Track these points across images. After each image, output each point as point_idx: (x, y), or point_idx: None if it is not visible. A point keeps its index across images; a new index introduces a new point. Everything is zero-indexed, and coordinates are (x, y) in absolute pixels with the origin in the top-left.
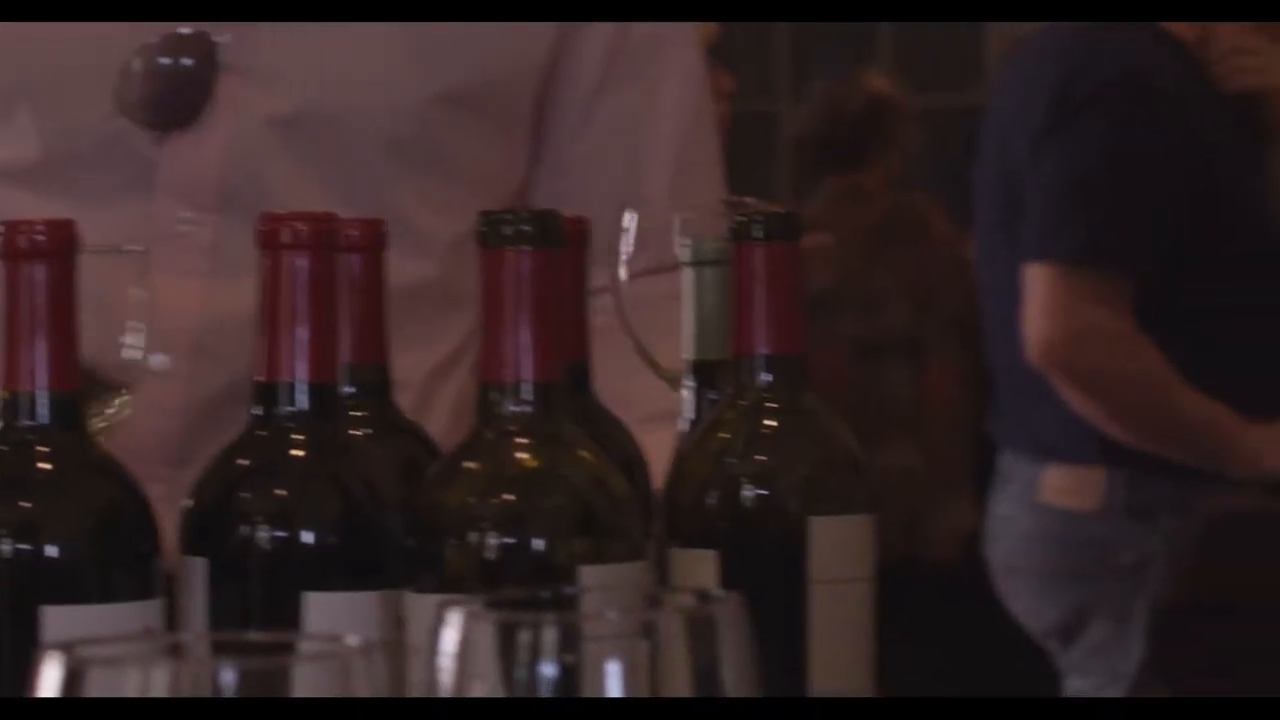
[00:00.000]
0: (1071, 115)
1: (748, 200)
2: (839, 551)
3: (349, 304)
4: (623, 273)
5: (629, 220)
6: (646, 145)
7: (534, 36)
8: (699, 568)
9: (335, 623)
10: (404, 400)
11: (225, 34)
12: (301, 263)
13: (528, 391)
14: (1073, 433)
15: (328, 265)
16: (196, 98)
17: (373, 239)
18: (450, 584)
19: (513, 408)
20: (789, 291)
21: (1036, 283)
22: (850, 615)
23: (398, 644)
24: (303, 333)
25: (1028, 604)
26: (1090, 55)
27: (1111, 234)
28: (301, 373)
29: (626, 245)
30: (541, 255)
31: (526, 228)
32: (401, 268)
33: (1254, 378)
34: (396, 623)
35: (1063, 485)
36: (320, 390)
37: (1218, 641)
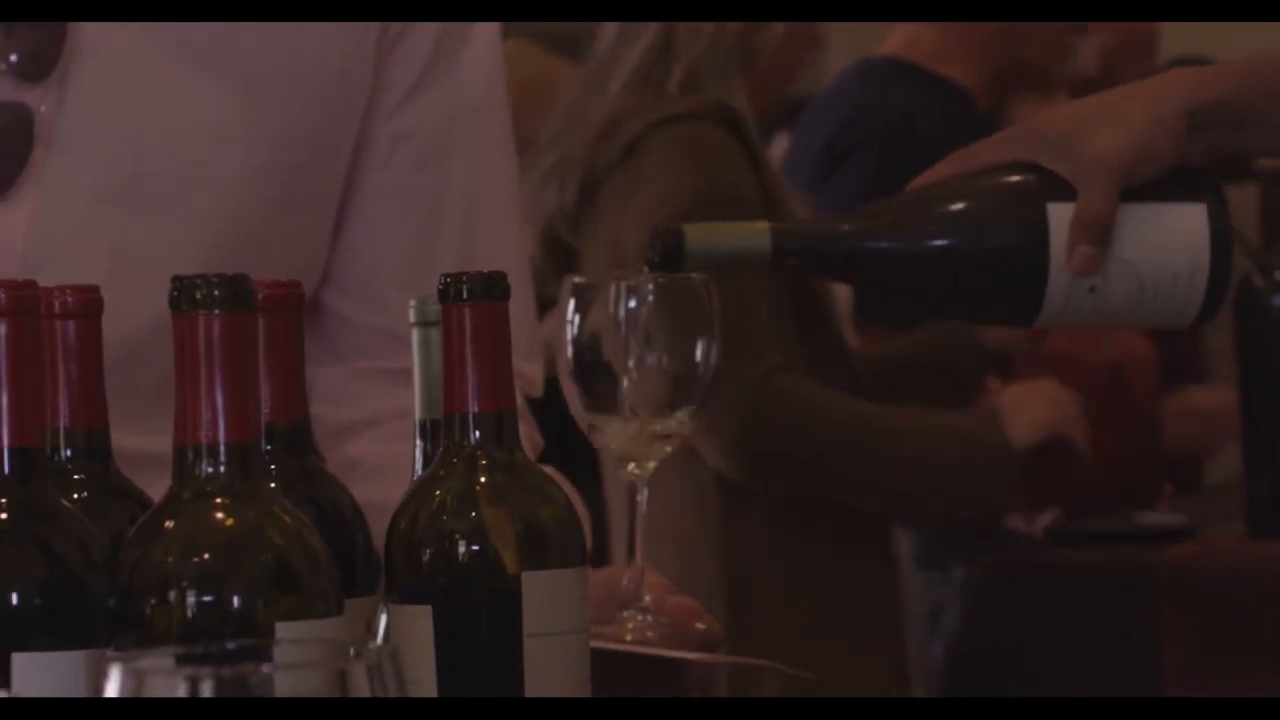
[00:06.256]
0: (839, 161)
1: None
2: (552, 605)
3: (64, 370)
4: None
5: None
6: (439, 223)
7: (350, 104)
8: (415, 623)
9: (42, 682)
10: None
11: (41, 104)
12: (1, 329)
13: (222, 453)
14: None
15: (30, 331)
16: (9, 170)
17: (88, 306)
18: (152, 643)
19: (208, 468)
20: (496, 350)
21: None
22: (564, 667)
23: None
24: (4, 398)
25: None
26: (858, 106)
27: None
28: (7, 438)
29: None
30: (231, 319)
31: (217, 292)
32: None
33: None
34: None
35: None
36: (26, 455)
37: (999, 691)
